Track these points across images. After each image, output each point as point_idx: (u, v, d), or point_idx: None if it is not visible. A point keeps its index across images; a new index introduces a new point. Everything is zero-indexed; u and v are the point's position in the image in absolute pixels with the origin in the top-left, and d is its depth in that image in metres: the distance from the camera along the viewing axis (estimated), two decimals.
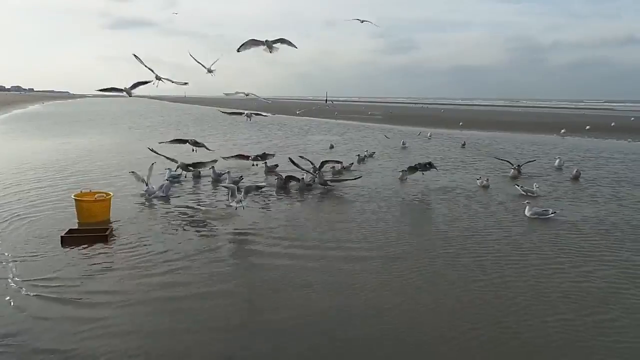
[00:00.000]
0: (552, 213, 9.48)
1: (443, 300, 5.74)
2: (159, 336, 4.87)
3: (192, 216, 9.57)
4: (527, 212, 9.59)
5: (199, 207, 10.33)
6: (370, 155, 18.32)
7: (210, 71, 11.82)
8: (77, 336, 4.79)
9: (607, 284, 6.29)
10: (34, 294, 5.70)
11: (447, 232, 8.58)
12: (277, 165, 14.69)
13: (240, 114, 15.17)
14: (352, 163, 15.92)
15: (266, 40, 11.01)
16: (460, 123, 38.62)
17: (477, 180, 12.99)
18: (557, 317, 5.32)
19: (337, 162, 15.12)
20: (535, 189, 11.75)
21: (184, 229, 8.56)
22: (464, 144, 23.34)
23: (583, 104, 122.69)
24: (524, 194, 11.51)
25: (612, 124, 38.73)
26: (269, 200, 10.93)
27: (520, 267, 6.85)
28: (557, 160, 16.97)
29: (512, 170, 14.60)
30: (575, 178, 14.19)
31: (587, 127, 35.14)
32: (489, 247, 7.74)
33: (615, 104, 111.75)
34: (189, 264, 6.81)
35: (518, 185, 12.06)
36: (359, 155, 17.72)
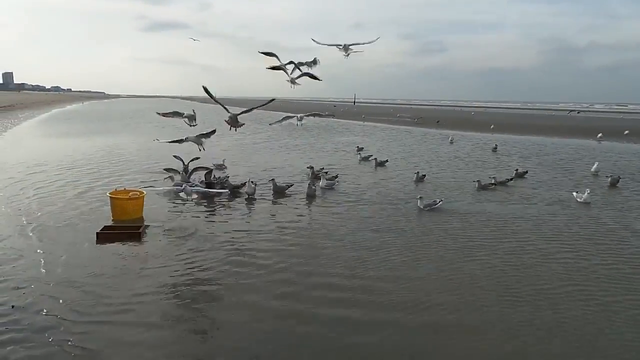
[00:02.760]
0: (439, 201, 10.52)
1: None
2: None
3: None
4: (419, 205, 10.40)
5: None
6: (383, 163, 17.26)
7: (293, 82, 10.47)
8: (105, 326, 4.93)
9: None
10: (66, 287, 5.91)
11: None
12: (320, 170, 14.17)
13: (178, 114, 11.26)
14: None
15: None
16: (492, 126, 37.79)
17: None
18: None
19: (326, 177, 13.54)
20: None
21: (213, 231, 8.72)
22: (495, 148, 22.83)
23: (620, 107, 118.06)
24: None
25: None
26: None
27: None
28: (595, 165, 16.37)
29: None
30: (613, 184, 13.67)
31: (626, 131, 33.74)
32: None
33: None
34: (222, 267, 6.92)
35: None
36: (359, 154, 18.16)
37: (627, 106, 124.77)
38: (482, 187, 12.91)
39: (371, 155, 18.08)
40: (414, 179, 14.05)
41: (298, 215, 9.84)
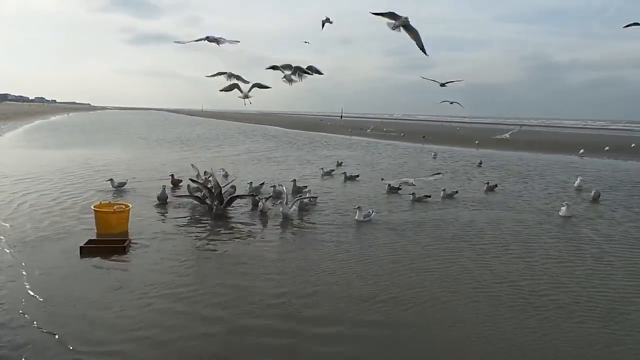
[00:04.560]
0: (372, 213, 10.60)
1: None
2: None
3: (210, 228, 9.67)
4: (356, 217, 10.31)
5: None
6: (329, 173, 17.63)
7: (246, 96, 11.32)
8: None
9: None
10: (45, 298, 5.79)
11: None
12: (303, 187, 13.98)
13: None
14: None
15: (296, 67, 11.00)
16: (477, 141, 38.38)
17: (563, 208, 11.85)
18: None
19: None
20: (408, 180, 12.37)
21: (205, 243, 8.64)
22: (480, 163, 23.15)
23: (600, 123, 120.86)
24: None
25: (632, 145, 38.08)
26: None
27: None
28: (578, 180, 16.69)
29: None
30: (595, 199, 13.95)
31: (606, 147, 34.57)
32: None
33: (634, 125, 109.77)
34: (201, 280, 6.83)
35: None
36: (322, 168, 17.92)
37: (599, 121, 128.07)
38: (417, 200, 12.99)
39: (333, 170, 18.13)
40: (386, 189, 14.44)
41: (276, 231, 9.81)
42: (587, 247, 9.10)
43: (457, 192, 14.20)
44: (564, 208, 11.71)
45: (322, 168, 18.22)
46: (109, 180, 13.44)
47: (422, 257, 8.13)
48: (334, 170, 18.32)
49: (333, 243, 8.81)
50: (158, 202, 11.70)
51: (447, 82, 12.31)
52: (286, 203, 10.55)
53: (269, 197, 12.15)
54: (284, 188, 11.64)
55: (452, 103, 16.25)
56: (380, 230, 9.85)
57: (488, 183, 15.56)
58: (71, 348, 4.80)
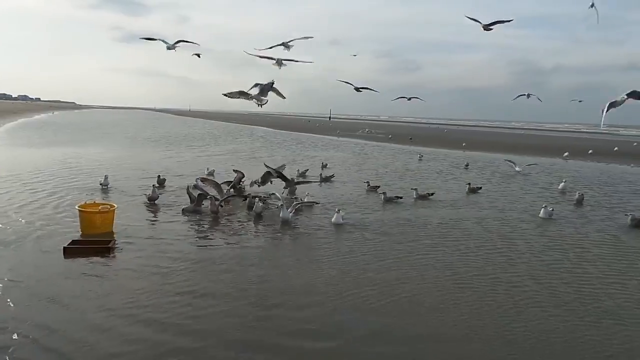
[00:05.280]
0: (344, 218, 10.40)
1: None
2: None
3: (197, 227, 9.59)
4: (333, 220, 10.25)
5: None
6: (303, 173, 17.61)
7: (171, 47, 12.37)
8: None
9: None
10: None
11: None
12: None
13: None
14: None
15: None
16: (464, 144, 38.71)
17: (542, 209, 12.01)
18: None
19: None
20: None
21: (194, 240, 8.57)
22: (467, 165, 23.37)
23: (583, 127, 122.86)
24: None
25: (615, 149, 38.81)
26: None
27: None
28: (562, 183, 16.96)
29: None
30: (579, 202, 14.17)
31: (590, 151, 35.19)
32: None
33: (617, 129, 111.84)
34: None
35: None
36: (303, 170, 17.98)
37: (582, 125, 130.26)
38: (388, 200, 13.07)
39: (307, 170, 18.22)
40: (366, 188, 14.95)
41: (276, 233, 9.79)
42: (568, 247, 9.29)
43: (432, 194, 14.24)
44: (543, 210, 11.91)
45: (298, 170, 18.19)
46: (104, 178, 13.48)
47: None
48: (308, 169, 18.34)
49: (326, 246, 8.83)
50: (148, 202, 11.59)
51: (362, 88, 13.08)
52: (286, 208, 10.33)
53: (264, 198, 11.67)
54: (279, 194, 11.53)
55: (409, 99, 16.97)
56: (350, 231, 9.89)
57: (469, 184, 15.72)
58: (45, 350, 4.72)
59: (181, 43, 12.67)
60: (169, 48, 12.41)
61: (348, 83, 13.16)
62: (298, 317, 5.72)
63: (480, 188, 15.73)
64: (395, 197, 13.37)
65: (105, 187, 13.22)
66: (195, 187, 12.17)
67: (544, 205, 12.12)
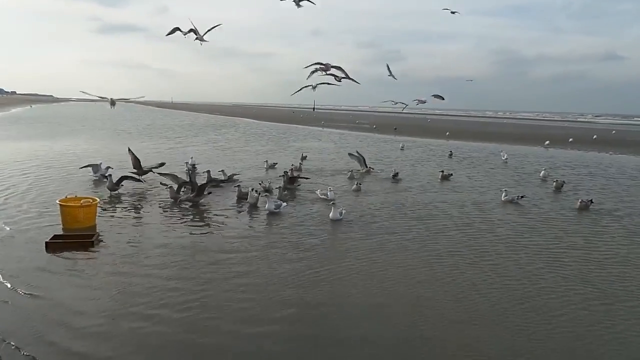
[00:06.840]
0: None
1: None
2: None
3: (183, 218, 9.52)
4: (331, 215, 9.83)
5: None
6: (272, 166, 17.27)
7: (201, 39, 12.01)
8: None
9: None
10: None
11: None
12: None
13: None
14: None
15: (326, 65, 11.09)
16: (447, 133, 39.03)
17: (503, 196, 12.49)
18: None
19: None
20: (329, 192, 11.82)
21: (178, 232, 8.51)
22: (450, 154, 23.59)
23: (564, 116, 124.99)
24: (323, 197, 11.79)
25: (594, 137, 39.60)
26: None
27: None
28: (543, 171, 17.30)
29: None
30: (558, 188, 14.48)
31: (570, 139, 35.86)
32: None
33: (598, 118, 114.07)
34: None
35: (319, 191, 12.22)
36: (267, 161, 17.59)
37: (563, 114, 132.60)
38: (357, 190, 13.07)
39: (276, 163, 17.61)
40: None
41: (261, 224, 9.77)
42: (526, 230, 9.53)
43: (397, 174, 15.51)
44: (503, 194, 12.49)
45: (266, 161, 17.67)
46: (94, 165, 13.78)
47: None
48: (277, 163, 17.74)
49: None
50: (110, 192, 11.65)
51: (342, 77, 11.43)
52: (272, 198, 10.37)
53: (259, 191, 11.52)
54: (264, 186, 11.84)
55: (396, 104, 15.93)
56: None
57: (442, 172, 16.17)
58: (20, 347, 4.66)
59: (206, 33, 12.14)
60: (197, 39, 11.94)
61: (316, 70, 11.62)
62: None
63: (452, 175, 16.24)
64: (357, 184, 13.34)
65: (97, 178, 13.44)
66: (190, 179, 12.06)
67: (504, 189, 12.82)
